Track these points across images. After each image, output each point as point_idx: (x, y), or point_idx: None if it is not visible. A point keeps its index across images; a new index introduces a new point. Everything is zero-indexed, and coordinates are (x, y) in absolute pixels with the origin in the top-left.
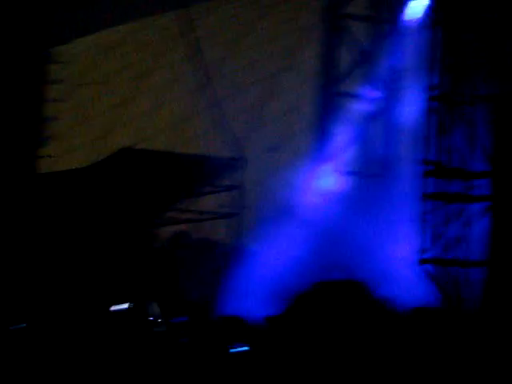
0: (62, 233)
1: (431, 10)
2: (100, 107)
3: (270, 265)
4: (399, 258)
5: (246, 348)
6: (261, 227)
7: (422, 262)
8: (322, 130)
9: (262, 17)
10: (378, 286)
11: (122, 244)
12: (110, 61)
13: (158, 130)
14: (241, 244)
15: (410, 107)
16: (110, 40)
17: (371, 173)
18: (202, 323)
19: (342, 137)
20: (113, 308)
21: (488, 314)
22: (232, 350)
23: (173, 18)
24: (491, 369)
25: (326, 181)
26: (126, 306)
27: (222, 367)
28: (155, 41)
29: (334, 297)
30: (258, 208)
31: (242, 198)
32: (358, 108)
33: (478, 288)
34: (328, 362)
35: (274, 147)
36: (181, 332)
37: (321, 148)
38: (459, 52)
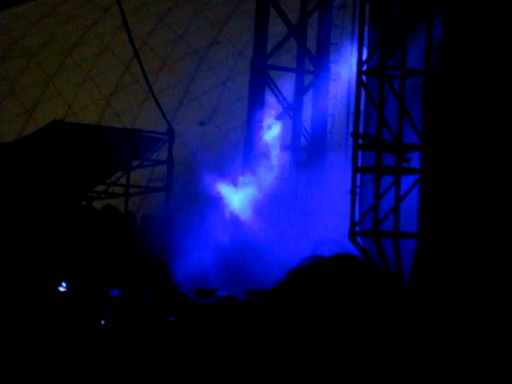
0: None
1: None
2: (28, 80)
3: (200, 241)
4: (335, 232)
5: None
6: (190, 202)
7: (352, 234)
8: (253, 104)
9: None
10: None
11: (53, 218)
12: (37, 33)
13: (87, 104)
14: (170, 218)
15: (342, 81)
16: (37, 12)
17: (305, 147)
18: (136, 296)
19: (274, 110)
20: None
21: (417, 285)
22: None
23: None
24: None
25: (257, 154)
26: (64, 285)
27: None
28: (83, 14)
29: (334, 270)
30: (188, 183)
31: (171, 173)
32: (289, 81)
33: (410, 260)
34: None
35: (204, 121)
36: (113, 306)
37: (252, 122)
38: (388, 26)
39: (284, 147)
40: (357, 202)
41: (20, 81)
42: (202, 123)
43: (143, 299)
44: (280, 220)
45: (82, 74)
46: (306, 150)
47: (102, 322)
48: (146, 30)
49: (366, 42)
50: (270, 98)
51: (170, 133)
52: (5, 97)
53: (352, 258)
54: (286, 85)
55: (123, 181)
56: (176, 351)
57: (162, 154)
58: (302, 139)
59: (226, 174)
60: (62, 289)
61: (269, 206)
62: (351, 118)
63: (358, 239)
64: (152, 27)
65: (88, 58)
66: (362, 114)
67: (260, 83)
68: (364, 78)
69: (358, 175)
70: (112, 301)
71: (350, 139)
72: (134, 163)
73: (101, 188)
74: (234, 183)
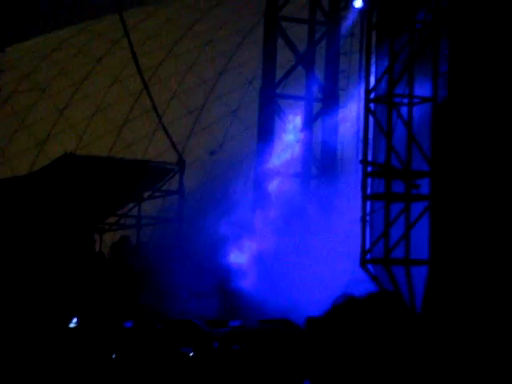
0: (3, 241)
1: (365, 14)
2: (38, 114)
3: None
4: (347, 260)
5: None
6: (201, 232)
7: (364, 262)
8: (262, 133)
9: (199, 20)
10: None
11: (66, 251)
12: (47, 67)
13: (97, 136)
14: (181, 248)
15: (350, 109)
16: (46, 46)
17: (315, 174)
18: (149, 327)
19: (284, 139)
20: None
21: (429, 312)
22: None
23: (109, 23)
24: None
25: (268, 183)
26: (74, 320)
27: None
28: (92, 46)
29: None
30: (198, 211)
31: (181, 203)
32: (298, 110)
33: (421, 287)
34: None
35: (214, 151)
36: (129, 336)
37: (262, 151)
38: (395, 54)
39: (295, 175)
40: (367, 230)
41: (31, 114)
42: (212, 153)
43: (157, 331)
44: (292, 248)
45: (92, 107)
46: (316, 178)
47: (113, 356)
48: (155, 61)
49: (373, 69)
50: (280, 127)
51: (181, 163)
52: (16, 130)
53: (386, 295)
54: (295, 113)
55: (135, 212)
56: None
57: (173, 185)
58: (312, 167)
59: (235, 209)
60: (72, 325)
61: (280, 231)
62: (360, 145)
63: (370, 267)
64: (161, 58)
65: (98, 90)
66: (370, 142)
67: (269, 112)
68: (372, 105)
69: (368, 203)
70: (126, 333)
71: (360, 166)
72: (145, 194)
73: (112, 219)
74: (244, 222)
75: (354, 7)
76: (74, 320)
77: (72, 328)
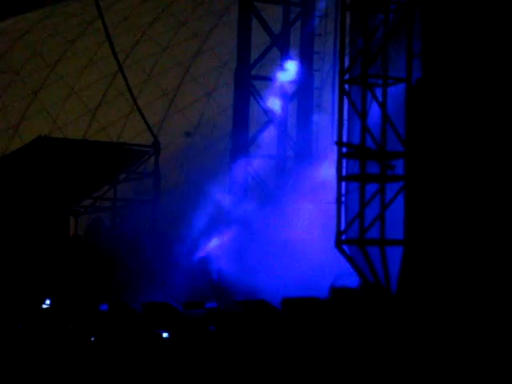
0: None
1: None
2: (12, 96)
3: (187, 253)
4: (324, 240)
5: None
6: (177, 213)
7: (339, 243)
8: (238, 114)
9: (174, 2)
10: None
11: (40, 233)
12: (19, 49)
13: (72, 118)
14: (157, 230)
15: (325, 90)
16: (19, 28)
17: (291, 156)
18: (125, 309)
19: (259, 120)
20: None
21: (404, 291)
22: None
23: (82, 5)
24: (401, 348)
25: (244, 165)
26: (47, 302)
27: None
28: (66, 28)
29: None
30: (174, 194)
31: (157, 185)
32: (273, 90)
33: (396, 267)
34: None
35: (190, 133)
36: (105, 319)
37: (237, 132)
38: (369, 35)
39: (270, 156)
40: (342, 211)
41: (4, 97)
42: (187, 134)
43: (132, 313)
44: (265, 231)
45: (66, 89)
46: (292, 159)
47: (92, 338)
48: (130, 43)
49: (347, 50)
50: (255, 108)
51: (156, 145)
52: None
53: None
54: (271, 94)
55: (110, 194)
56: (168, 364)
57: (149, 167)
58: (288, 148)
59: (212, 185)
60: (45, 306)
61: (255, 216)
62: (335, 126)
63: (345, 247)
64: (135, 40)
65: (72, 72)
66: (345, 123)
67: (244, 93)
68: (347, 86)
69: (343, 184)
70: (101, 315)
71: (335, 147)
72: (121, 176)
73: (88, 202)
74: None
75: None
76: (47, 301)
77: (45, 309)
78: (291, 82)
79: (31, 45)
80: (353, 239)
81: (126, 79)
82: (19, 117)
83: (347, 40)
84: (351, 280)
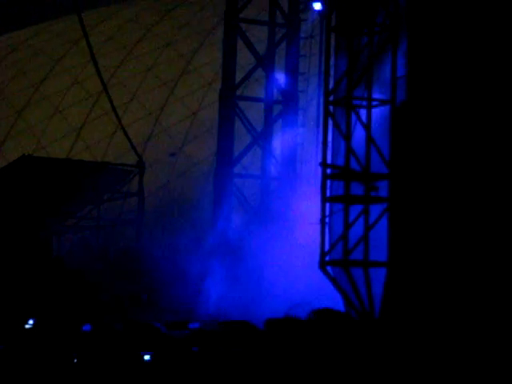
0: None
1: (325, 16)
2: None
3: (170, 271)
4: (311, 262)
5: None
6: (161, 232)
7: (323, 264)
8: (222, 134)
9: (160, 21)
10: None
11: (22, 254)
12: (3, 69)
13: (56, 137)
14: (141, 249)
15: (310, 111)
16: (4, 47)
17: (275, 176)
18: (108, 330)
19: (243, 140)
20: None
21: (387, 312)
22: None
23: (67, 24)
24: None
25: (228, 185)
26: (30, 322)
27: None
28: (51, 47)
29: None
30: (158, 213)
31: (141, 204)
32: (258, 111)
33: (380, 289)
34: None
35: (174, 152)
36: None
37: (222, 151)
38: (353, 57)
39: (255, 176)
40: (326, 232)
41: None
42: (172, 154)
43: (115, 334)
44: (252, 250)
45: (51, 108)
46: (276, 179)
47: (75, 359)
48: (115, 62)
49: (332, 72)
50: (239, 128)
51: (140, 165)
52: None
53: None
54: (256, 114)
55: (95, 214)
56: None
57: (133, 186)
58: (272, 168)
59: (196, 207)
60: (28, 326)
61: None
62: (320, 147)
63: (329, 268)
64: (120, 60)
65: (57, 91)
66: (330, 144)
67: (229, 113)
68: (331, 107)
69: (328, 205)
70: (84, 335)
71: (320, 168)
72: (105, 196)
73: (72, 222)
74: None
75: (313, 10)
76: (30, 321)
77: (28, 329)
78: (276, 103)
79: (16, 64)
80: (336, 260)
81: (110, 99)
82: (3, 135)
83: (332, 61)
84: (304, 309)
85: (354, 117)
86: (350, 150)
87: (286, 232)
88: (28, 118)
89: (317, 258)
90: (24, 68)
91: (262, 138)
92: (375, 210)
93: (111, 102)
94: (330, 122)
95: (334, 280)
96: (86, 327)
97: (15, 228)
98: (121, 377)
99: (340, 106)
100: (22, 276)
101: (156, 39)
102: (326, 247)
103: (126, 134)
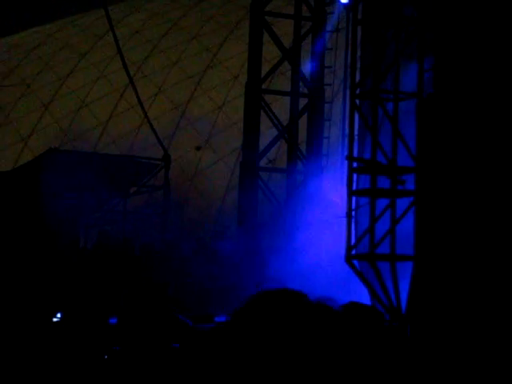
0: None
1: (351, 9)
2: (23, 109)
3: (200, 266)
4: (335, 256)
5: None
6: (188, 227)
7: (349, 258)
8: (248, 128)
9: (186, 15)
10: (313, 285)
11: (49, 246)
12: (30, 62)
13: (82, 131)
14: (167, 244)
15: (336, 105)
16: (31, 41)
17: (301, 170)
18: (135, 323)
19: (270, 134)
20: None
21: (414, 307)
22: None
23: (92, 18)
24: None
25: (254, 179)
26: (58, 315)
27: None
28: (77, 41)
29: (271, 308)
30: (185, 207)
31: (167, 198)
32: (283, 104)
33: (407, 283)
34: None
35: (200, 146)
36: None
37: (247, 145)
38: (380, 50)
39: (281, 170)
40: (352, 225)
41: (16, 109)
42: (198, 148)
43: (142, 327)
44: (275, 245)
45: (77, 101)
46: (302, 173)
47: (105, 356)
48: (141, 56)
49: (358, 65)
50: (266, 122)
51: (166, 158)
52: (0, 125)
53: (293, 292)
54: (282, 108)
55: (121, 207)
56: (179, 379)
57: (159, 180)
58: (298, 162)
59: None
60: (55, 319)
61: (266, 230)
62: (346, 140)
63: (355, 262)
64: (146, 53)
65: (83, 85)
66: (356, 137)
67: (255, 107)
68: (357, 101)
69: (354, 198)
70: (111, 329)
71: (346, 162)
72: (131, 190)
73: (98, 215)
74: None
75: (339, 2)
76: (58, 315)
77: (56, 322)
78: (302, 96)
79: (42, 58)
80: (363, 254)
81: (136, 92)
82: (30, 129)
83: (358, 54)
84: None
85: (380, 110)
86: (376, 144)
87: (312, 225)
88: (54, 111)
89: (342, 251)
90: (50, 62)
91: (288, 132)
92: (402, 203)
93: (137, 95)
94: (357, 116)
95: (360, 274)
96: (113, 320)
97: (41, 221)
98: (147, 367)
99: (366, 100)
100: (48, 269)
101: (181, 33)
102: (352, 241)
103: (152, 127)
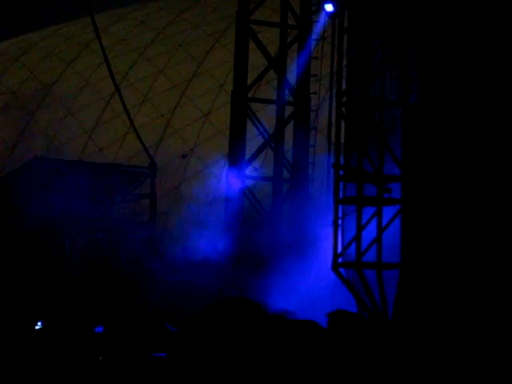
0: None
1: (337, 18)
2: (8, 117)
3: (183, 272)
4: (319, 264)
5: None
6: (173, 234)
7: (335, 266)
8: (234, 136)
9: (172, 23)
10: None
11: (36, 256)
12: (17, 70)
13: (68, 139)
14: (154, 252)
15: (322, 113)
16: (16, 49)
17: (287, 178)
18: (120, 332)
19: (255, 142)
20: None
21: (400, 315)
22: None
23: (77, 27)
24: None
25: (240, 187)
26: (39, 324)
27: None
28: (63, 49)
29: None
30: (170, 216)
31: (153, 206)
32: (270, 113)
33: (393, 291)
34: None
35: (186, 154)
36: (100, 341)
37: (233, 153)
38: (366, 58)
39: (267, 178)
40: (339, 233)
41: (1, 117)
42: (183, 156)
43: (128, 335)
44: (263, 254)
45: (63, 110)
46: (288, 181)
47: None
48: (127, 64)
49: (344, 73)
50: (251, 130)
51: (152, 166)
52: None
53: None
54: (267, 116)
55: (107, 215)
56: None
57: (145, 188)
58: (284, 170)
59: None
60: (37, 327)
61: (252, 239)
62: (332, 148)
63: (341, 270)
64: (132, 62)
65: (69, 93)
66: (342, 145)
67: (241, 115)
68: (343, 109)
69: (340, 206)
70: (96, 337)
71: (332, 170)
72: (117, 198)
73: (84, 223)
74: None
75: (325, 11)
76: (39, 323)
77: (38, 330)
78: (288, 104)
79: (27, 66)
80: (350, 262)
81: (122, 100)
82: (15, 138)
83: (344, 63)
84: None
85: (365, 118)
86: (362, 152)
87: (299, 234)
88: (40, 120)
89: (326, 260)
90: (35, 70)
91: (274, 140)
92: (388, 211)
93: (123, 103)
94: (343, 124)
95: (347, 282)
96: (99, 329)
97: (25, 229)
98: (131, 377)
99: (352, 108)
100: (33, 278)
101: (167, 41)
102: (339, 249)
103: (138, 135)
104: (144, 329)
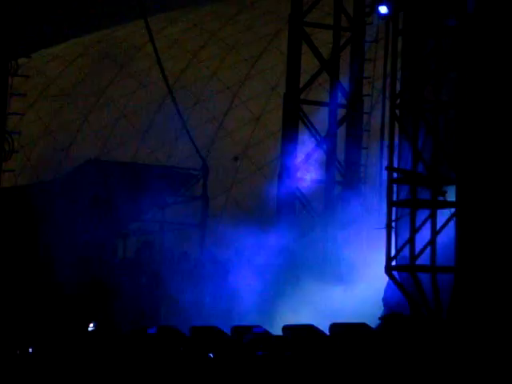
0: (28, 245)
1: (391, 20)
2: (63, 119)
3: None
4: (373, 266)
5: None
6: (225, 237)
7: (389, 269)
8: (286, 138)
9: (223, 26)
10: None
11: (90, 255)
12: (72, 73)
13: (121, 141)
14: (205, 254)
15: (375, 115)
16: (71, 52)
17: (339, 180)
18: (174, 334)
19: (308, 144)
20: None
21: (454, 319)
22: None
23: (130, 30)
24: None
25: (292, 189)
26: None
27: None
28: (116, 52)
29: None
30: (222, 218)
31: (205, 208)
32: (322, 115)
33: (447, 294)
34: None
35: (238, 156)
36: (153, 342)
37: (286, 156)
38: (421, 59)
39: (319, 181)
40: (393, 236)
41: (56, 119)
42: (235, 158)
43: (182, 337)
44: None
45: (116, 112)
46: (341, 184)
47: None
48: (179, 67)
49: (398, 75)
50: (304, 133)
51: (204, 168)
52: (41, 136)
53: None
54: (320, 118)
55: (159, 217)
56: None
57: (197, 190)
58: (336, 173)
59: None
60: (90, 329)
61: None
62: (386, 151)
63: (395, 273)
64: (185, 64)
65: (122, 95)
66: (396, 148)
67: (293, 117)
68: (397, 111)
69: (394, 209)
70: (150, 338)
71: (385, 172)
72: (169, 199)
73: (137, 225)
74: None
75: (378, 13)
76: (92, 324)
77: (91, 331)
78: (341, 107)
79: (83, 69)
80: (403, 265)
81: (175, 102)
82: (70, 140)
83: (398, 65)
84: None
85: (419, 120)
86: (416, 154)
87: (351, 236)
88: (94, 121)
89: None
90: (90, 73)
91: (326, 142)
92: (442, 214)
93: (176, 105)
94: (396, 126)
95: (400, 285)
96: (152, 330)
97: (80, 230)
98: (186, 378)
99: (407, 110)
100: (87, 279)
101: (220, 44)
102: (392, 252)
103: (190, 137)
104: (196, 331)
